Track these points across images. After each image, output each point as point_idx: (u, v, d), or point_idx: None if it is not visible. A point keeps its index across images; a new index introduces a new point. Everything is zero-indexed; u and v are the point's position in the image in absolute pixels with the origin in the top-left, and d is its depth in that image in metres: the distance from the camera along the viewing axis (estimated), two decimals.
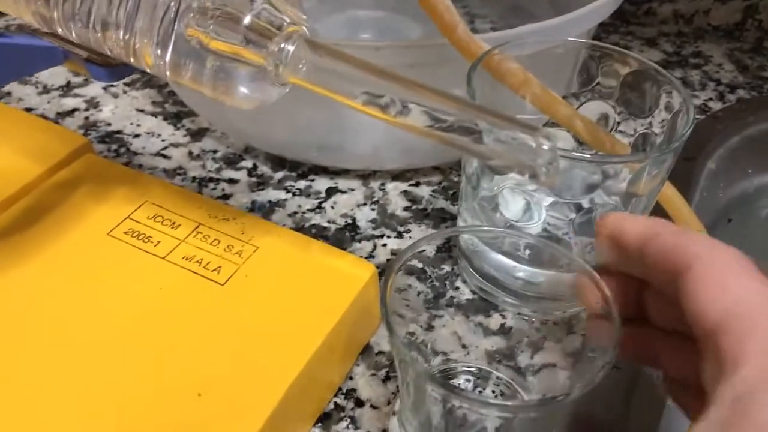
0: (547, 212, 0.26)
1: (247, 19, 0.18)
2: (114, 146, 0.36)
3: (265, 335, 0.24)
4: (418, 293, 0.29)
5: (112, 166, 0.30)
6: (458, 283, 0.30)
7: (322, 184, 0.34)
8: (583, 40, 0.28)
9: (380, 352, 0.27)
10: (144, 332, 0.23)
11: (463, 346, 0.27)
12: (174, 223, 0.27)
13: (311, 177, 0.35)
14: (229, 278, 0.25)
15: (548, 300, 0.28)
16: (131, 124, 0.37)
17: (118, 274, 0.25)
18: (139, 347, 0.23)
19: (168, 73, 0.20)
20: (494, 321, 0.28)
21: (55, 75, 0.40)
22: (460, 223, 0.29)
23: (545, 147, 0.17)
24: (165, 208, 0.27)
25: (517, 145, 0.17)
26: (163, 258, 0.26)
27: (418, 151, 0.34)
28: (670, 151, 0.23)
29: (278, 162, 0.35)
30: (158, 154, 0.35)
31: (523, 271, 0.28)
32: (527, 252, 0.27)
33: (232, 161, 0.35)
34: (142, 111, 0.38)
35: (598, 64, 0.29)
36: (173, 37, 0.19)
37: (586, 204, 0.26)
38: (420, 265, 0.30)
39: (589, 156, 0.24)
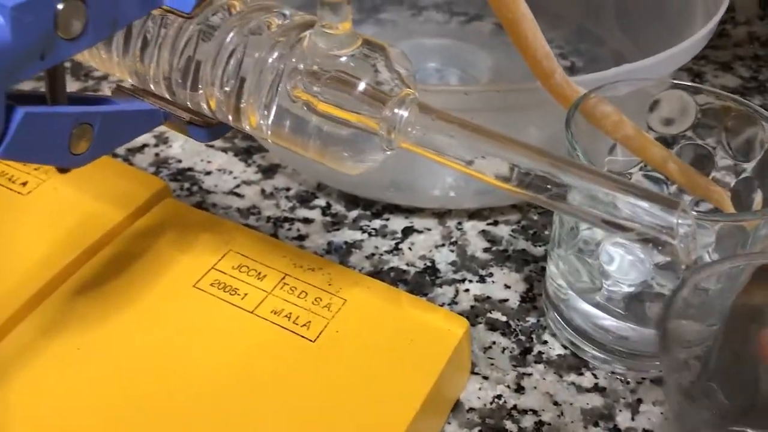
0: (654, 270, 0.24)
1: (362, 85, 0.18)
2: (186, 184, 0.35)
3: (362, 395, 0.23)
4: (503, 350, 0.28)
5: (191, 212, 0.29)
6: (546, 336, 0.29)
7: (397, 223, 0.34)
8: (681, 82, 0.27)
9: (471, 409, 0.26)
10: (237, 391, 0.23)
11: (555, 404, 0.26)
12: (260, 273, 0.26)
13: (386, 216, 0.34)
14: (320, 334, 0.24)
15: (643, 357, 0.27)
16: (201, 160, 0.37)
17: (208, 328, 0.25)
18: (232, 406, 0.22)
19: (269, 133, 0.20)
20: (587, 379, 0.27)
21: None
22: (551, 269, 0.28)
23: (688, 223, 0.16)
24: (249, 257, 0.27)
25: (649, 220, 0.16)
26: (252, 312, 0.25)
27: (495, 191, 0.33)
28: None
29: (351, 200, 0.35)
30: (231, 192, 0.35)
31: (615, 324, 0.27)
32: (620, 304, 0.26)
33: (305, 199, 0.35)
34: (211, 146, 0.37)
35: (696, 104, 0.27)
36: (278, 99, 0.19)
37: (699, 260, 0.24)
38: (504, 318, 0.29)
39: (724, 217, 0.22)
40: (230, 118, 0.20)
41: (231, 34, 0.19)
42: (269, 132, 0.19)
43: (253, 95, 0.19)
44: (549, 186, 0.17)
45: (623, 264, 0.25)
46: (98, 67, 0.21)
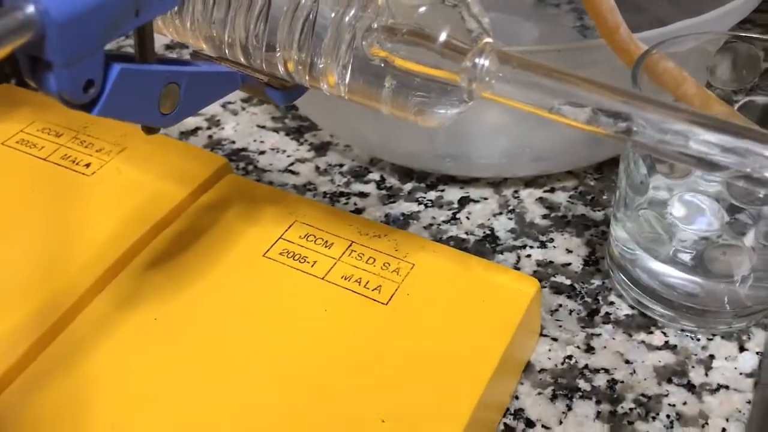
0: (728, 220, 0.24)
1: (443, 36, 0.18)
2: (242, 164, 0.35)
3: (438, 357, 0.23)
4: (570, 312, 0.28)
5: (255, 186, 0.29)
6: (612, 298, 0.28)
7: (453, 194, 0.34)
8: (745, 34, 0.27)
9: (542, 370, 0.26)
10: (316, 357, 0.23)
11: (627, 362, 0.26)
12: (326, 242, 0.26)
13: (441, 187, 0.34)
14: (391, 297, 0.25)
15: (712, 313, 0.27)
16: (255, 141, 0.37)
17: (282, 296, 0.25)
18: (309, 372, 0.23)
19: (347, 91, 0.20)
20: (657, 338, 0.27)
21: None
22: (616, 231, 0.28)
23: None
24: (315, 227, 0.27)
25: (744, 155, 0.16)
26: (323, 278, 0.25)
27: (550, 158, 0.33)
28: None
29: (405, 173, 0.35)
30: (286, 170, 0.35)
31: (683, 280, 0.26)
32: (690, 258, 0.26)
33: (359, 174, 0.35)
34: (263, 127, 0.38)
35: (760, 58, 0.27)
36: (354, 57, 0.19)
37: None
38: (568, 282, 0.29)
39: None
40: (307, 78, 0.20)
41: None
42: (346, 90, 0.20)
43: (330, 55, 0.19)
44: (633, 126, 0.17)
45: (694, 216, 0.25)
46: (171, 35, 0.21)
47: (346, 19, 0.19)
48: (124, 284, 0.25)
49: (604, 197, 0.33)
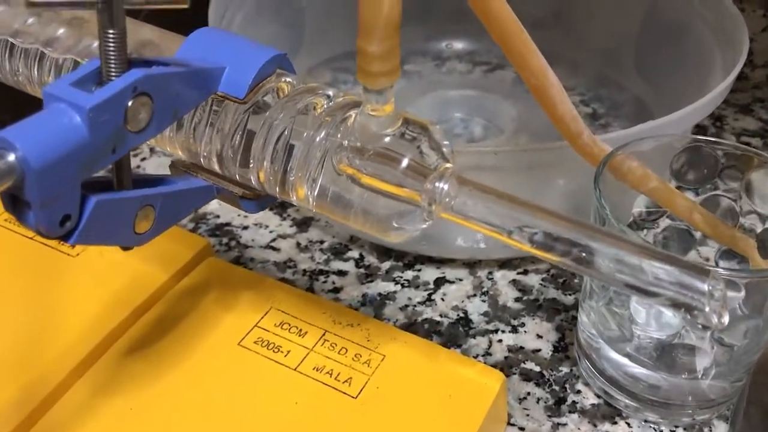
0: (684, 322, 0.25)
1: (405, 161, 0.19)
2: (225, 239, 0.36)
3: None
4: (538, 400, 0.29)
5: (233, 270, 0.30)
6: (579, 386, 0.29)
7: (429, 274, 0.35)
8: (703, 137, 0.28)
9: None
10: None
11: None
12: (301, 330, 0.27)
13: (418, 267, 0.35)
14: (361, 390, 0.25)
15: (675, 406, 0.28)
16: (238, 215, 0.38)
17: (254, 386, 0.25)
18: None
19: (314, 204, 0.21)
20: (621, 428, 0.28)
21: (162, 167, 0.41)
22: (583, 319, 0.29)
23: (719, 289, 0.17)
24: (290, 314, 0.28)
25: (680, 287, 0.17)
26: (295, 369, 0.26)
27: None
28: None
29: (383, 251, 0.36)
30: (268, 246, 0.36)
31: (645, 374, 0.27)
32: (650, 355, 0.27)
33: (339, 251, 0.36)
34: None
35: (718, 157, 0.28)
36: (324, 173, 0.20)
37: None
38: (537, 369, 0.30)
39: (752, 273, 0.23)
40: (277, 190, 0.21)
41: (281, 115, 0.20)
42: (314, 203, 0.21)
43: (301, 170, 0.20)
44: (581, 253, 0.18)
45: (653, 315, 0.26)
46: (152, 143, 0.22)
47: (318, 138, 0.20)
48: (102, 371, 0.26)
49: (576, 281, 0.34)
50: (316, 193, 0.20)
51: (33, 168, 0.15)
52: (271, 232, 0.37)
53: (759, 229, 0.28)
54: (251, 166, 0.21)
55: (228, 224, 0.37)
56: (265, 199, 0.22)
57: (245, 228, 0.37)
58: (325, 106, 0.20)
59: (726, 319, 0.17)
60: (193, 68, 0.18)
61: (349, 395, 0.25)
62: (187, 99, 0.18)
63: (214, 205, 0.39)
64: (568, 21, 0.48)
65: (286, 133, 0.20)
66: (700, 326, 0.25)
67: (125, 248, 0.19)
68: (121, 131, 0.16)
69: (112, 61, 0.16)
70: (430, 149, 0.19)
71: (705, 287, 0.17)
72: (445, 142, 0.20)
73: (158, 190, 0.19)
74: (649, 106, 0.43)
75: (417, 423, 0.24)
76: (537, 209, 0.19)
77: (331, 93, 0.20)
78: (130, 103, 0.16)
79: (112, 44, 0.16)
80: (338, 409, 0.25)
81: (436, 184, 0.19)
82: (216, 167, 0.21)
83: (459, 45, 0.49)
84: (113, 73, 0.16)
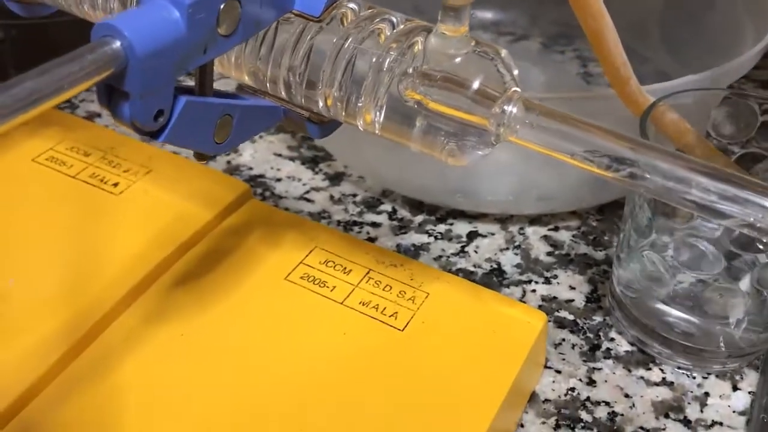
0: (725, 265, 0.26)
1: (475, 84, 0.19)
2: (259, 190, 0.37)
3: (449, 384, 0.24)
4: (573, 346, 0.29)
5: (276, 212, 0.31)
6: (613, 334, 0.30)
7: (461, 228, 0.35)
8: (745, 91, 0.29)
9: (546, 400, 0.27)
10: (332, 379, 0.24)
11: (626, 396, 0.28)
12: (345, 268, 0.28)
13: (450, 221, 0.35)
14: (407, 324, 0.26)
15: (707, 353, 0.28)
16: (271, 168, 0.38)
17: (301, 319, 0.26)
18: (328, 394, 0.24)
19: (379, 129, 0.21)
20: (655, 374, 0.28)
21: None
22: (619, 271, 0.29)
23: None
24: (334, 253, 0.28)
25: (749, 205, 0.18)
26: (342, 303, 0.26)
27: (554, 198, 0.35)
28: None
29: (416, 205, 0.36)
30: (301, 197, 0.36)
31: (681, 320, 0.28)
32: (688, 299, 0.27)
33: (371, 205, 0.36)
34: (279, 155, 0.39)
35: (757, 113, 0.29)
36: (389, 98, 0.20)
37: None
38: (571, 317, 0.31)
39: None
40: (343, 114, 0.21)
41: (349, 40, 0.20)
42: (380, 128, 0.21)
43: (369, 96, 0.20)
44: (646, 173, 0.19)
45: (693, 259, 0.26)
46: (216, 68, 0.22)
47: (386, 63, 0.20)
48: (151, 301, 0.27)
49: (606, 238, 0.35)
50: (382, 118, 0.21)
51: (138, 56, 0.15)
52: (304, 184, 0.37)
53: None
54: (319, 89, 0.21)
55: (262, 176, 0.38)
56: (329, 125, 0.22)
57: (278, 180, 0.38)
58: (389, 32, 0.20)
59: None
60: None
61: (396, 328, 0.26)
62: (269, 12, 0.19)
63: (247, 158, 0.39)
64: None
65: (353, 59, 0.21)
66: (739, 257, 0.25)
67: (200, 157, 0.19)
68: (213, 32, 0.17)
69: None
70: (504, 70, 0.19)
71: None
72: (515, 69, 0.20)
73: (237, 102, 0.19)
74: (674, 78, 0.44)
75: (462, 356, 0.25)
76: (604, 131, 0.19)
77: (395, 19, 0.21)
78: (222, 6, 0.17)
79: None
80: (385, 340, 0.25)
81: (505, 107, 0.20)
82: (282, 92, 0.22)
83: (485, 15, 0.49)
84: None
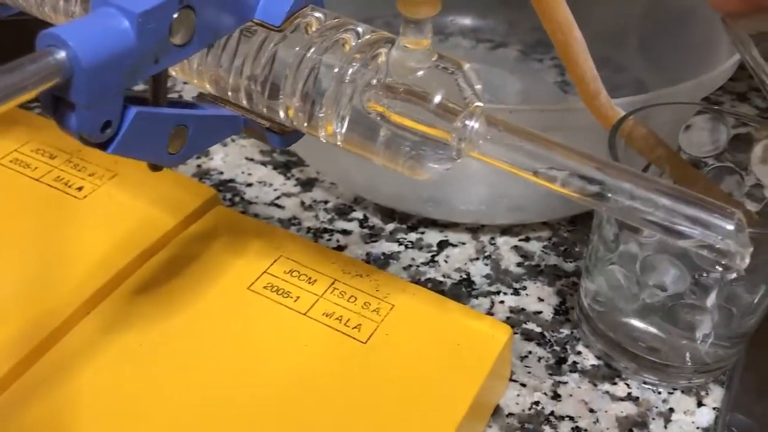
0: (692, 281, 0.26)
1: (437, 98, 0.19)
2: (229, 195, 0.36)
3: (412, 397, 0.24)
4: (539, 359, 0.29)
5: (242, 219, 0.30)
6: (580, 347, 0.30)
7: (433, 237, 0.35)
8: (714, 107, 0.29)
9: (510, 414, 0.27)
10: (292, 391, 0.24)
11: (591, 411, 0.27)
12: (310, 278, 0.27)
13: (421, 229, 0.35)
14: (370, 336, 0.25)
15: (674, 368, 0.28)
16: (243, 173, 0.38)
17: (263, 330, 0.26)
18: (286, 403, 0.23)
19: (341, 141, 0.21)
20: (620, 389, 0.28)
21: None
22: (587, 284, 0.29)
23: (744, 232, 0.17)
24: (300, 263, 0.28)
25: (706, 227, 0.18)
26: (305, 314, 0.26)
27: (526, 208, 0.35)
28: None
29: (388, 213, 0.36)
30: (272, 203, 0.36)
31: (647, 334, 0.28)
32: (654, 314, 0.27)
33: (343, 212, 0.36)
34: (251, 160, 0.39)
35: (727, 129, 0.29)
36: (352, 109, 0.20)
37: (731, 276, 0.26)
38: (538, 330, 0.30)
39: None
40: (305, 125, 0.21)
41: (311, 50, 0.20)
42: (342, 139, 0.21)
43: (331, 107, 0.20)
44: (607, 193, 0.19)
45: (660, 274, 0.26)
46: (178, 75, 0.22)
47: (349, 74, 0.20)
48: (111, 308, 0.26)
49: (577, 249, 0.34)
50: (344, 129, 0.21)
51: (83, 67, 0.14)
52: (275, 190, 0.37)
53: (760, 206, 0.29)
54: (280, 99, 0.21)
55: (232, 181, 0.37)
56: (292, 135, 0.22)
57: (249, 185, 0.37)
58: (354, 43, 0.20)
59: (748, 260, 0.18)
60: None
61: (358, 340, 0.25)
62: (227, 21, 0.18)
63: (218, 162, 0.38)
64: (571, 1, 0.48)
65: (316, 69, 0.20)
66: (705, 274, 0.25)
67: (154, 168, 0.19)
68: (165, 42, 0.16)
69: None
70: (465, 85, 0.19)
71: (731, 228, 0.17)
72: (477, 82, 0.20)
73: (193, 112, 0.19)
74: (650, 89, 0.44)
75: (425, 369, 0.25)
76: (566, 149, 0.19)
77: (360, 29, 0.21)
78: (176, 15, 0.16)
79: None
80: (348, 352, 0.25)
81: (467, 122, 0.19)
82: (244, 101, 0.21)
83: (464, 21, 0.49)
84: None
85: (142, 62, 0.16)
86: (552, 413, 0.27)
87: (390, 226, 0.35)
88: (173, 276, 0.27)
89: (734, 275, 0.26)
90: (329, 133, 0.21)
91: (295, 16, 0.20)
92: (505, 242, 0.35)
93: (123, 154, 0.17)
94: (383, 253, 0.34)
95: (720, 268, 0.25)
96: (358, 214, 0.36)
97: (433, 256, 0.34)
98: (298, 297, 0.27)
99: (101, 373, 0.24)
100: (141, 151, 0.17)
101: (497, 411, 0.27)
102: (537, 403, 0.27)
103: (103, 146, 0.16)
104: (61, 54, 0.14)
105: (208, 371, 0.24)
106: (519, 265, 0.34)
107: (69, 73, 0.14)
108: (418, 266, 0.33)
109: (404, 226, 0.35)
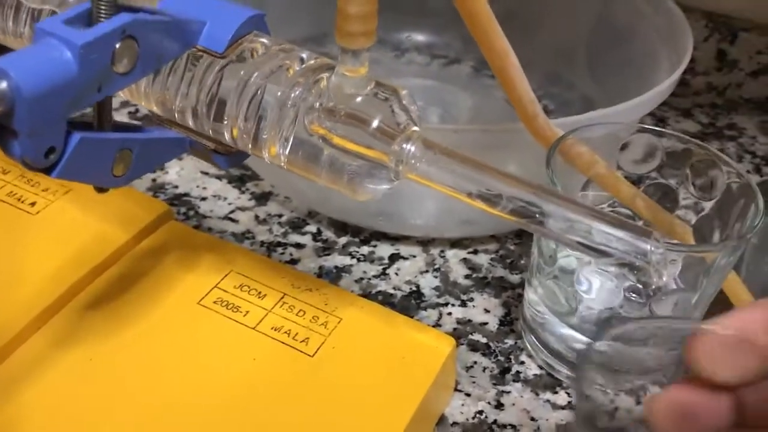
0: (627, 295, 0.27)
1: (375, 122, 0.20)
2: (183, 209, 0.37)
3: (357, 407, 0.25)
4: (484, 369, 0.30)
5: (194, 234, 0.31)
6: (523, 357, 0.31)
7: (384, 250, 0.36)
8: (649, 126, 0.30)
9: (455, 423, 0.28)
10: (241, 404, 0.24)
11: (532, 419, 0.28)
12: (260, 293, 0.28)
13: (373, 243, 0.36)
14: (318, 349, 0.26)
15: (614, 372, 0.29)
16: (197, 186, 0.38)
17: (212, 344, 0.26)
18: (235, 416, 0.24)
19: (286, 162, 0.22)
20: (561, 398, 0.29)
21: None
22: (529, 295, 0.30)
23: (660, 251, 0.18)
24: (250, 277, 0.29)
25: (627, 246, 0.19)
26: (253, 328, 0.27)
27: (475, 222, 0.36)
28: (745, 238, 0.25)
29: (341, 227, 0.37)
30: (226, 217, 0.37)
31: (587, 345, 0.29)
32: (594, 327, 0.28)
33: (297, 225, 0.37)
34: (206, 174, 0.39)
35: (662, 147, 0.30)
36: (296, 132, 0.21)
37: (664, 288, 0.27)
38: (484, 340, 0.31)
39: (688, 248, 0.25)
40: (250, 147, 0.22)
41: (255, 74, 0.21)
42: (286, 161, 0.21)
43: (274, 128, 0.21)
44: (536, 214, 0.20)
45: (596, 290, 0.27)
46: (126, 96, 0.23)
47: (291, 97, 0.21)
48: (61, 323, 0.26)
49: (522, 262, 0.35)
50: (287, 151, 0.21)
51: (24, 96, 0.15)
52: (230, 204, 0.37)
53: (694, 219, 0.30)
54: (225, 122, 0.21)
55: (186, 194, 0.38)
56: (237, 156, 0.22)
57: (203, 199, 0.38)
58: (298, 68, 0.21)
59: (665, 278, 0.19)
60: (177, 19, 0.19)
61: (305, 353, 0.26)
62: (170, 48, 0.19)
63: (173, 176, 0.39)
64: (522, 20, 0.49)
65: (260, 92, 0.21)
66: (641, 286, 0.27)
67: (100, 190, 0.19)
68: (107, 71, 0.17)
69: (103, 4, 0.17)
70: (400, 111, 0.20)
71: (648, 247, 0.18)
72: (413, 107, 0.21)
73: (137, 135, 0.19)
74: (597, 105, 0.45)
75: (370, 381, 0.25)
76: (498, 173, 0.20)
77: (304, 55, 0.21)
78: (118, 45, 0.17)
79: None
80: (295, 366, 0.26)
81: (404, 145, 0.20)
82: (190, 122, 0.22)
83: (419, 37, 0.50)
84: (103, 16, 0.17)
85: (84, 91, 0.16)
86: (495, 422, 0.28)
87: (343, 240, 0.36)
88: (124, 291, 0.28)
89: (666, 289, 0.27)
90: (273, 154, 0.21)
91: (239, 42, 0.21)
92: (454, 255, 0.36)
93: (67, 178, 0.17)
94: (336, 267, 0.34)
95: (640, 285, 0.26)
96: (312, 228, 0.37)
97: (384, 269, 0.35)
98: (247, 311, 0.27)
99: (51, 388, 0.24)
100: (85, 175, 0.18)
101: (442, 420, 0.28)
102: (481, 412, 0.28)
103: (47, 171, 0.17)
104: (3, 84, 0.15)
105: (158, 385, 0.25)
106: (467, 277, 0.35)
107: (11, 103, 0.15)
108: (369, 279, 0.34)
109: (357, 240, 0.36)
